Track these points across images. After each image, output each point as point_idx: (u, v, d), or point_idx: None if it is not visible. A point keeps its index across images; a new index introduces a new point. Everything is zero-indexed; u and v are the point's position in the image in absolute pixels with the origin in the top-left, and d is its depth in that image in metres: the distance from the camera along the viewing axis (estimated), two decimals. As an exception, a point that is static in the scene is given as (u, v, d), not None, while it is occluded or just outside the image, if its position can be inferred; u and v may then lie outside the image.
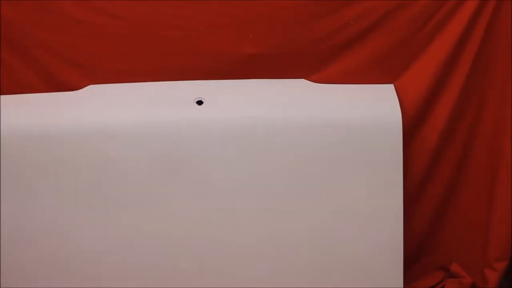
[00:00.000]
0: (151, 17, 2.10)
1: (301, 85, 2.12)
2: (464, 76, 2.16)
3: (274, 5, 2.09)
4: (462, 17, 2.12)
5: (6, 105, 2.05)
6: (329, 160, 2.05)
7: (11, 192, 2.02)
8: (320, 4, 2.10)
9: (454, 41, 2.13)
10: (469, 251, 2.25)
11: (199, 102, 2.07)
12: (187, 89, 2.08)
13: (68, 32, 2.09)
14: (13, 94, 2.08)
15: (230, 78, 2.13)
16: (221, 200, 2.05)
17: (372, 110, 2.07)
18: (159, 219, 2.04)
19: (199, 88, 2.08)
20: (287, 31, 2.13)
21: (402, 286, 2.11)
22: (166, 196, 2.04)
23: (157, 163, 2.03)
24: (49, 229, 2.04)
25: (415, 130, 2.17)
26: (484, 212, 2.23)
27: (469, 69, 2.15)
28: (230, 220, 2.06)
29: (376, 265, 2.10)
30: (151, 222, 2.04)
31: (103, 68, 2.11)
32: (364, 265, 2.09)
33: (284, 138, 2.04)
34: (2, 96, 2.07)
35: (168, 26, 2.10)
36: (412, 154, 2.18)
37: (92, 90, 2.09)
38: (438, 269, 2.28)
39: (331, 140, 2.05)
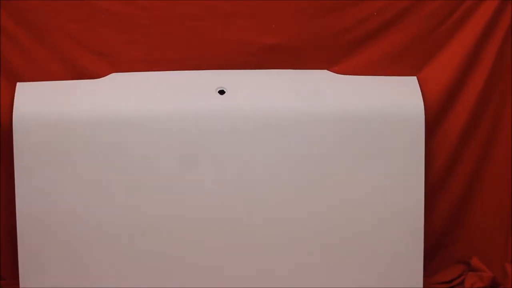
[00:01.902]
0: (173, 7, 2.10)
1: (323, 76, 2.11)
2: (487, 70, 2.15)
3: (296, -4, 2.10)
4: (485, 10, 2.11)
5: (23, 93, 2.04)
6: (351, 151, 2.05)
7: (30, 180, 2.02)
8: (343, -4, 2.11)
9: (477, 35, 2.12)
10: (490, 245, 2.24)
11: (221, 92, 2.07)
12: (209, 79, 2.08)
13: (92, 21, 2.09)
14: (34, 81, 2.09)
15: (251, 68, 2.12)
16: (242, 189, 2.05)
17: (395, 102, 2.07)
18: (179, 206, 2.04)
19: (221, 77, 2.08)
20: (309, 22, 2.12)
21: (422, 278, 2.11)
22: (186, 184, 2.04)
23: (178, 152, 2.03)
24: (68, 217, 2.04)
25: (438, 123, 2.16)
26: (505, 207, 2.21)
27: (492, 63, 2.15)
28: (250, 208, 2.06)
29: (396, 257, 2.09)
30: (171, 209, 2.04)
31: (126, 56, 2.11)
32: (384, 257, 2.09)
33: (306, 129, 2.04)
34: (18, 83, 2.07)
35: (190, 16, 2.10)
36: (434, 147, 2.17)
37: (114, 79, 2.08)
38: (458, 262, 2.27)
39: (353, 131, 2.04)
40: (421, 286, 2.11)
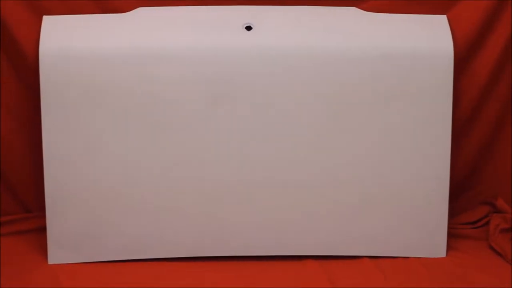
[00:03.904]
0: None
1: (352, 13, 2.09)
2: (519, 9, 2.12)
3: None
4: None
5: (49, 26, 2.04)
6: (379, 89, 2.03)
7: (54, 115, 2.02)
8: None
9: (509, -28, 2.09)
10: (516, 186, 2.24)
11: (248, 28, 2.05)
12: (236, 14, 2.06)
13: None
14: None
15: (279, 4, 2.10)
16: (266, 126, 2.04)
17: (424, 40, 2.04)
18: (204, 143, 2.04)
19: (248, 13, 2.06)
20: (338, -42, 2.10)
21: (447, 218, 2.11)
22: (211, 121, 2.03)
23: (204, 88, 2.02)
24: (93, 152, 2.04)
25: (466, 62, 2.14)
26: (532, 148, 2.21)
27: (524, 2, 2.12)
28: (276, 146, 2.05)
29: (421, 197, 2.09)
30: (196, 147, 2.04)
31: (152, -10, 2.10)
32: (410, 197, 2.08)
33: (333, 66, 2.02)
34: (45, 16, 2.06)
35: (217, -49, 2.09)
36: (462, 87, 2.15)
37: (140, 13, 2.07)
38: (483, 203, 2.27)
39: (381, 69, 2.02)
40: (446, 227, 2.11)
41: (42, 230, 2.13)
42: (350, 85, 2.03)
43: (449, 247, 2.14)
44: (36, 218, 2.20)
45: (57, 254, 2.07)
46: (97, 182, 2.06)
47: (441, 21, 2.08)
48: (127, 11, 2.08)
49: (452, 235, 2.18)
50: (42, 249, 2.10)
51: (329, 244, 2.11)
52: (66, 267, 2.06)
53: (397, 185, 2.08)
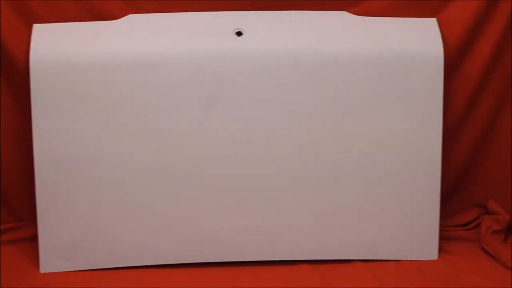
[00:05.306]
0: None
1: (342, 17, 2.09)
2: (507, 12, 2.12)
3: None
4: None
5: (40, 34, 2.03)
6: (369, 93, 2.04)
7: (47, 122, 2.01)
8: None
9: (497, -26, 2.10)
10: (507, 188, 2.24)
11: (239, 33, 2.05)
12: (226, 20, 2.06)
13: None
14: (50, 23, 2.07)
15: (269, 9, 2.10)
16: (259, 131, 2.04)
17: (414, 43, 2.05)
18: (196, 148, 2.04)
19: (238, 19, 2.06)
20: (328, -38, 2.10)
21: (438, 220, 2.11)
22: (202, 126, 2.03)
23: (195, 94, 2.02)
24: (85, 159, 2.03)
25: (457, 65, 2.14)
26: (522, 150, 2.22)
27: (511, 5, 2.12)
28: (268, 151, 2.05)
29: (413, 200, 2.09)
30: (188, 151, 2.04)
31: (143, -3, 2.09)
32: (402, 199, 2.09)
33: (324, 71, 2.02)
34: (35, 25, 2.06)
35: (206, -43, 2.08)
36: (453, 89, 2.16)
37: (131, 20, 2.07)
38: (474, 205, 2.27)
39: (372, 73, 2.03)
40: (437, 229, 2.12)
41: (34, 238, 2.12)
42: (340, 89, 2.03)
43: (441, 249, 2.14)
44: (28, 226, 2.19)
45: (49, 263, 2.07)
46: (89, 190, 2.05)
47: (430, 23, 2.09)
48: (118, 18, 2.07)
49: (444, 237, 2.19)
50: (34, 257, 2.09)
51: (322, 248, 2.11)
52: (59, 276, 2.06)
53: (388, 188, 2.08)
